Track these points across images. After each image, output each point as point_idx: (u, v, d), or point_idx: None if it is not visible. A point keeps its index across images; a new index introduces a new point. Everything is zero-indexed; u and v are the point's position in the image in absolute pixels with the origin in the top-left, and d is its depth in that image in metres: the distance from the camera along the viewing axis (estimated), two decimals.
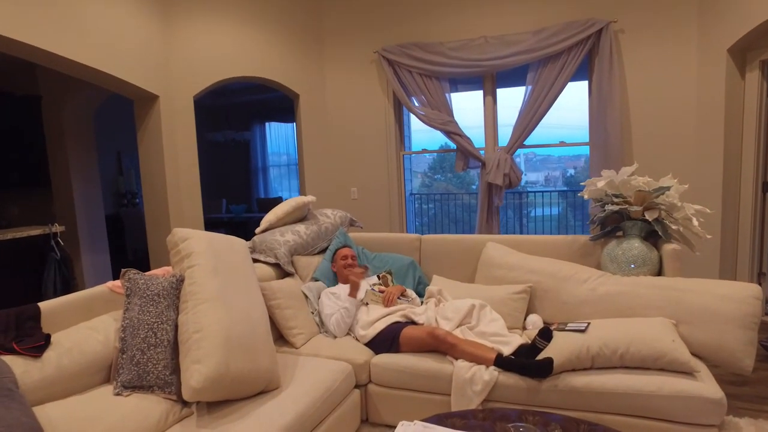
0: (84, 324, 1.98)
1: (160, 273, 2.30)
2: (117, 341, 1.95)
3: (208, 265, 2.12)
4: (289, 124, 8.11)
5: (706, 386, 1.90)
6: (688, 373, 1.98)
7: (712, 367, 2.74)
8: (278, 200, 7.46)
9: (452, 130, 4.29)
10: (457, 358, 2.23)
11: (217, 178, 7.76)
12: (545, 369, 2.02)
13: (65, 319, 1.98)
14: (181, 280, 2.09)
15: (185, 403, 1.91)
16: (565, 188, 7.68)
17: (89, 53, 3.36)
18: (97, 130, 5.16)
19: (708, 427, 1.89)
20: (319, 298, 2.76)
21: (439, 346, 2.27)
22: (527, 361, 2.07)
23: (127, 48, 3.67)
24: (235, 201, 7.89)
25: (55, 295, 3.53)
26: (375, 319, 2.51)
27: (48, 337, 1.79)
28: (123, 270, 2.14)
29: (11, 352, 1.70)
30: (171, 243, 2.27)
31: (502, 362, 2.13)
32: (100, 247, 4.94)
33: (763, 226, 3.66)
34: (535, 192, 7.11)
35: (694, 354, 2.16)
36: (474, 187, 7.36)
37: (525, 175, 8.13)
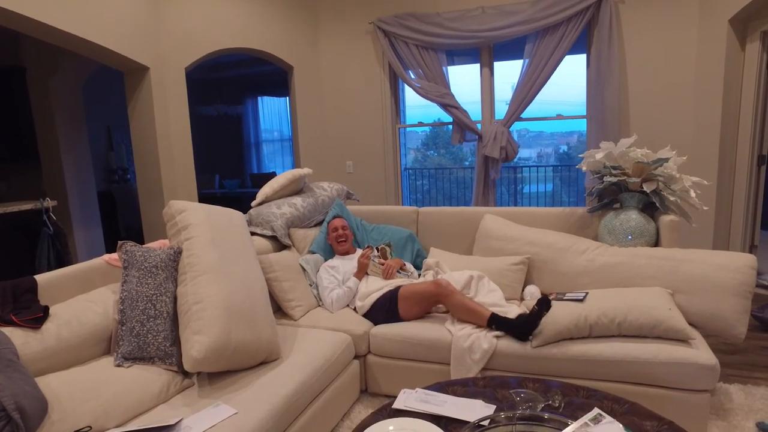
0: (82, 296, 1.97)
1: (156, 246, 2.28)
2: (116, 313, 1.94)
3: (206, 237, 2.11)
4: (282, 99, 7.99)
5: (701, 353, 1.93)
6: (683, 340, 2.01)
7: (705, 337, 2.79)
8: (271, 175, 7.39)
9: (449, 103, 4.24)
10: (452, 310, 2.26)
11: (210, 153, 7.67)
12: (533, 322, 2.07)
13: (62, 291, 1.97)
14: (179, 252, 2.08)
15: (186, 374, 1.91)
16: (559, 164, 7.67)
17: (77, 22, 3.25)
18: (86, 105, 5.05)
19: (701, 392, 1.93)
20: (317, 271, 2.75)
21: (439, 293, 2.29)
22: (519, 319, 2.12)
23: (116, 18, 3.55)
24: (228, 176, 7.81)
25: (50, 269, 3.50)
26: (373, 290, 2.51)
27: (46, 309, 1.78)
28: (120, 242, 2.11)
29: (10, 324, 1.68)
30: (167, 215, 2.24)
31: (495, 321, 2.16)
32: (93, 223, 4.89)
33: (756, 199, 3.69)
34: (529, 166, 7.10)
35: (689, 323, 2.20)
36: (467, 162, 7.33)
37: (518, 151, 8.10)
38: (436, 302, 2.35)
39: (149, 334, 1.88)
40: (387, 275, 2.60)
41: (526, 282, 2.63)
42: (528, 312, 2.22)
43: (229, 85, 7.79)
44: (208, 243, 2.09)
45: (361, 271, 2.63)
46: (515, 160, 4.36)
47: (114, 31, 3.53)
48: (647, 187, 2.61)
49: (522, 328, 2.10)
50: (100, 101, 6.26)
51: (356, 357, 2.40)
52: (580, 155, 2.94)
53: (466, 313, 2.22)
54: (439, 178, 7.22)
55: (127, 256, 2.06)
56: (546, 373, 2.09)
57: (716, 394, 2.31)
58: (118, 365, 1.83)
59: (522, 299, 2.59)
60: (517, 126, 4.51)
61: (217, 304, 1.88)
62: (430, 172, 7.46)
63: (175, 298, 1.98)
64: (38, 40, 4.31)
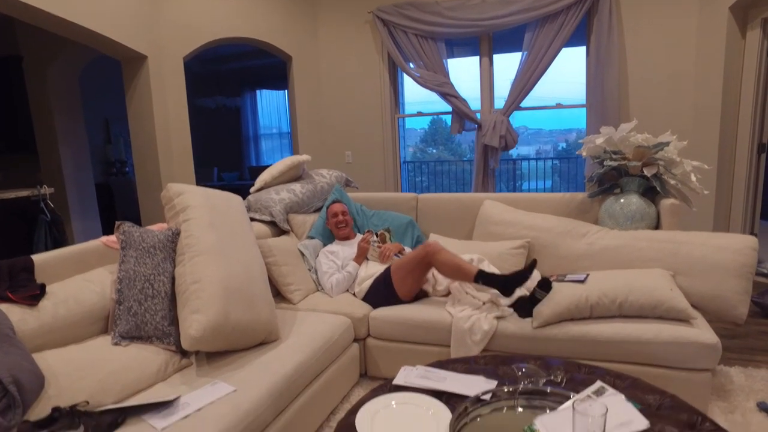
0: (79, 276, 1.95)
1: (155, 229, 2.27)
2: (113, 292, 1.92)
3: (204, 219, 2.09)
4: (281, 92, 7.95)
5: (702, 332, 1.92)
6: (684, 320, 2.00)
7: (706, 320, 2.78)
8: None
9: (448, 92, 4.23)
10: (440, 268, 2.24)
11: (208, 145, 7.63)
12: (523, 276, 2.08)
13: (59, 272, 1.95)
14: (177, 234, 2.06)
15: (185, 354, 1.90)
16: (559, 158, 7.66)
17: (74, 9, 3.23)
18: (84, 97, 5.02)
19: (702, 371, 1.92)
20: (316, 256, 2.74)
21: (427, 252, 2.25)
22: (507, 275, 2.12)
23: (114, 5, 3.53)
24: (226, 169, 7.79)
25: None
26: (371, 275, 2.50)
27: (43, 286, 1.76)
28: (117, 223, 2.10)
29: (6, 300, 1.66)
30: (165, 198, 2.22)
31: (483, 276, 2.15)
32: (91, 213, 4.86)
33: (756, 188, 3.68)
34: (528, 159, 7.09)
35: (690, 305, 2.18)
36: (466, 159, 7.31)
37: (516, 149, 8.11)
38: (427, 265, 2.29)
39: (147, 314, 1.86)
40: (384, 259, 2.58)
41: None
42: (529, 294, 2.21)
43: (228, 78, 7.76)
44: (207, 224, 2.08)
45: (361, 256, 2.61)
46: (515, 154, 4.36)
47: (111, 18, 3.51)
48: (648, 171, 2.60)
49: (508, 282, 2.10)
50: (98, 93, 6.22)
51: (356, 340, 2.39)
52: (580, 141, 2.93)
53: (454, 270, 2.20)
54: (438, 174, 7.21)
55: (124, 237, 2.05)
56: (547, 353, 2.08)
57: (717, 376, 2.30)
58: (116, 344, 1.81)
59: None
60: (516, 123, 4.50)
61: (215, 283, 1.86)
62: (429, 168, 7.44)
63: (173, 279, 1.96)
64: (34, 29, 4.28)
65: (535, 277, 2.50)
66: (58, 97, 4.64)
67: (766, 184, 3.72)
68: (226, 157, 7.92)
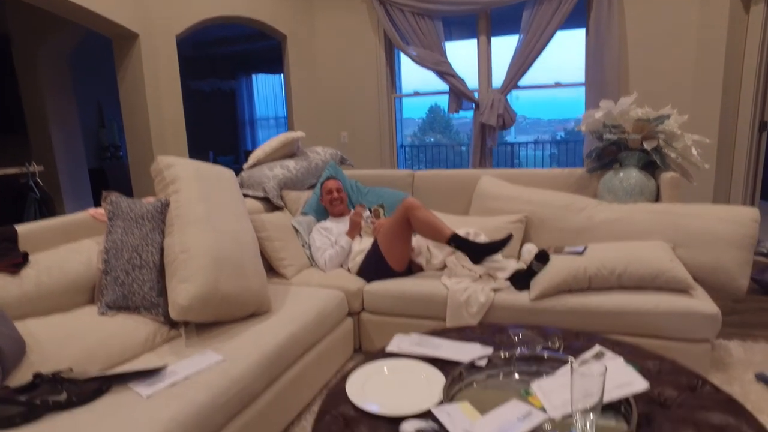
0: (64, 247, 1.90)
1: (144, 202, 2.21)
2: (100, 263, 1.87)
3: (193, 190, 2.04)
4: (277, 76, 7.86)
5: (702, 303, 1.89)
6: (684, 291, 1.96)
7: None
8: None
9: (445, 71, 4.16)
10: (417, 226, 2.21)
11: (204, 129, 7.55)
12: (495, 247, 2.08)
13: (44, 242, 1.89)
14: (166, 205, 2.01)
15: (173, 325, 1.86)
16: (557, 141, 7.60)
17: None
18: (76, 80, 4.92)
19: (702, 342, 1.89)
20: (310, 232, 2.69)
21: (407, 208, 2.23)
22: (479, 243, 2.12)
23: None
24: (222, 153, 7.72)
25: None
26: (364, 249, 2.45)
27: (26, 255, 1.71)
28: (105, 193, 2.04)
29: None
30: (155, 171, 2.17)
31: (456, 239, 2.13)
32: (83, 194, 4.80)
33: (757, 166, 3.63)
34: (527, 143, 7.03)
35: None
36: (464, 148, 7.24)
37: (515, 138, 8.05)
38: (408, 222, 2.24)
39: (134, 284, 1.81)
40: (376, 233, 2.54)
41: (524, 241, 2.57)
42: (526, 267, 2.17)
43: (222, 61, 7.66)
44: (196, 196, 2.03)
45: (353, 230, 2.56)
46: (512, 139, 4.31)
47: None
48: (648, 145, 2.54)
49: (479, 249, 2.10)
50: (90, 77, 6.13)
51: (350, 315, 2.35)
52: (580, 116, 2.87)
53: (429, 228, 2.18)
54: (435, 159, 7.16)
55: (112, 207, 1.99)
56: (545, 325, 2.03)
57: (716, 350, 2.27)
58: (102, 314, 1.77)
59: (520, 258, 2.54)
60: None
61: (205, 253, 1.82)
62: (427, 153, 7.38)
63: (162, 250, 1.91)
64: (23, 7, 4.19)
65: (532, 250, 2.47)
66: (49, 79, 4.55)
67: (767, 163, 3.67)
68: (221, 142, 7.84)
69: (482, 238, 2.38)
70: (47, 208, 3.30)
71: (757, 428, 1.08)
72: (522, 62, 3.98)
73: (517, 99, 4.61)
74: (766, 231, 3.73)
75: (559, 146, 7.50)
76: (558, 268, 2.03)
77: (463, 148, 7.20)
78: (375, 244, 2.34)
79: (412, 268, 2.42)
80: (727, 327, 2.53)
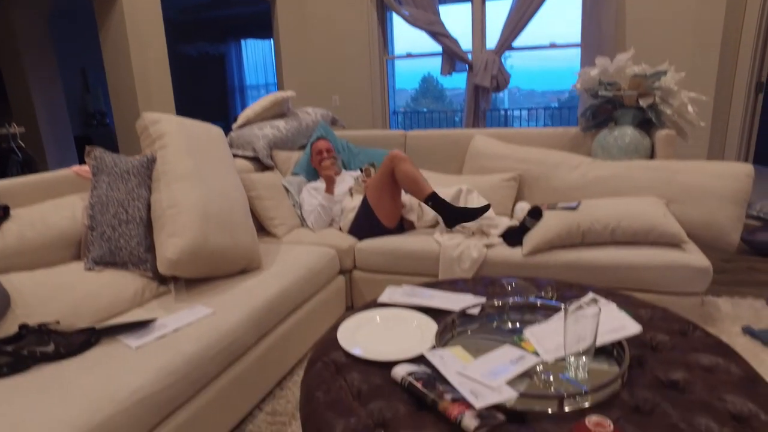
0: (48, 202, 1.85)
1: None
2: (85, 219, 1.83)
3: (180, 146, 1.98)
4: (267, 42, 7.65)
5: (694, 256, 1.89)
6: (676, 245, 1.96)
7: None
8: None
9: (438, 31, 4.05)
10: (400, 178, 2.19)
11: (192, 95, 7.38)
12: (470, 214, 2.06)
13: (26, 198, 1.84)
14: (152, 160, 1.95)
15: (162, 281, 1.83)
16: (551, 108, 7.51)
17: None
18: (58, 45, 4.75)
19: (692, 295, 1.89)
20: (300, 192, 2.65)
21: (392, 159, 2.21)
22: (456, 207, 2.11)
23: None
24: (211, 120, 7.58)
25: None
26: (354, 207, 2.42)
27: (6, 208, 1.66)
28: (88, 148, 1.98)
29: None
30: (140, 127, 2.10)
31: (434, 198, 2.11)
32: (70, 160, 4.69)
33: (752, 127, 3.61)
34: (521, 108, 6.95)
35: None
36: (457, 118, 7.15)
37: (510, 108, 7.94)
38: (393, 173, 2.22)
39: (121, 239, 1.77)
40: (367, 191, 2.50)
41: (518, 199, 2.55)
42: (519, 223, 2.15)
43: (210, 25, 7.43)
44: (184, 151, 1.97)
45: (329, 184, 2.50)
46: (507, 109, 4.25)
47: None
48: (643, 102, 2.51)
49: (454, 213, 2.08)
50: (72, 41, 5.93)
51: (342, 273, 2.33)
52: (575, 73, 2.82)
53: (411, 183, 2.16)
54: (429, 126, 7.06)
55: (96, 162, 1.93)
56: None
57: (705, 305, 2.29)
58: (89, 269, 1.73)
59: (513, 216, 2.52)
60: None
61: (193, 208, 1.78)
62: (420, 125, 7.28)
63: (149, 206, 1.87)
64: None
65: (525, 208, 2.45)
66: (27, 40, 4.39)
67: (762, 126, 3.65)
68: (210, 108, 7.69)
69: (474, 195, 2.36)
70: (30, 170, 3.22)
71: (745, 368, 1.09)
72: (517, 21, 3.89)
73: (512, 68, 4.53)
74: (757, 193, 3.74)
75: (552, 117, 7.43)
76: (551, 223, 2.01)
77: (457, 118, 7.12)
78: (365, 200, 2.31)
79: (404, 225, 2.40)
80: (716, 285, 2.55)
